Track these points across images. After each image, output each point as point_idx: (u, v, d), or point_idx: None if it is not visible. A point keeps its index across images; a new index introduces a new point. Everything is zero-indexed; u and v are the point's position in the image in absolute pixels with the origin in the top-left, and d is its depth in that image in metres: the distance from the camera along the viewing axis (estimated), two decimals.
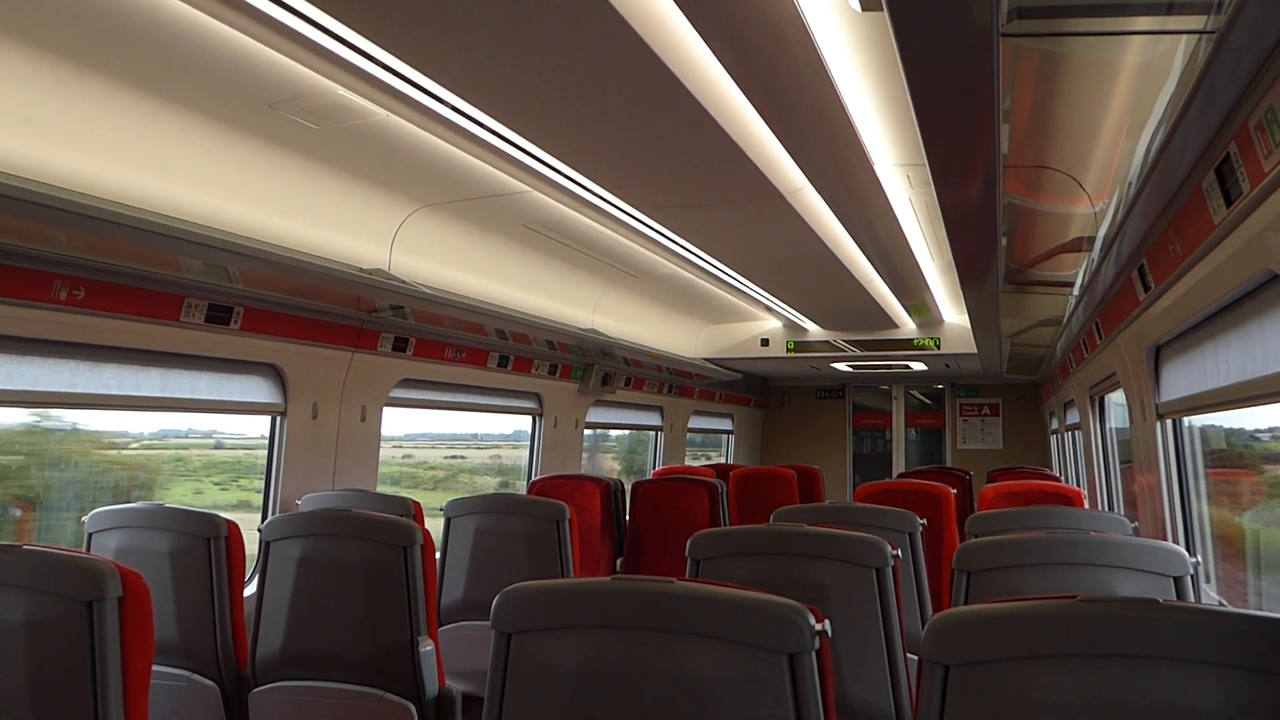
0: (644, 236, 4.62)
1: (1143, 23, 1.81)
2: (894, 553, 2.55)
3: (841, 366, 9.96)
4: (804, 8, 2.40)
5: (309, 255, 3.77)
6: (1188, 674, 1.39)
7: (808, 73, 2.75)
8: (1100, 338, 5.04)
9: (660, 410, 9.71)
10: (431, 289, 4.50)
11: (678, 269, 5.73)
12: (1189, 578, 2.48)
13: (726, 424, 11.96)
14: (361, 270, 4.05)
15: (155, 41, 2.57)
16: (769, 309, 7.48)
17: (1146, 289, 3.54)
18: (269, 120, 3.16)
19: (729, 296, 6.93)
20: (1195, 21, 1.69)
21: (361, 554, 2.91)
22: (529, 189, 3.93)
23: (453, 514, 4.13)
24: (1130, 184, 2.67)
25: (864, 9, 2.20)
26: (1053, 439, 10.98)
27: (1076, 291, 4.58)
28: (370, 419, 5.06)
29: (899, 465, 12.52)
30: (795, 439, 12.91)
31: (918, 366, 9.86)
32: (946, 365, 9.79)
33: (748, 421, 12.50)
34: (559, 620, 1.69)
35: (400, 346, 5.08)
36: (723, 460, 12.11)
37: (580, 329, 6.06)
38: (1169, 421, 4.10)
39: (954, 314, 7.92)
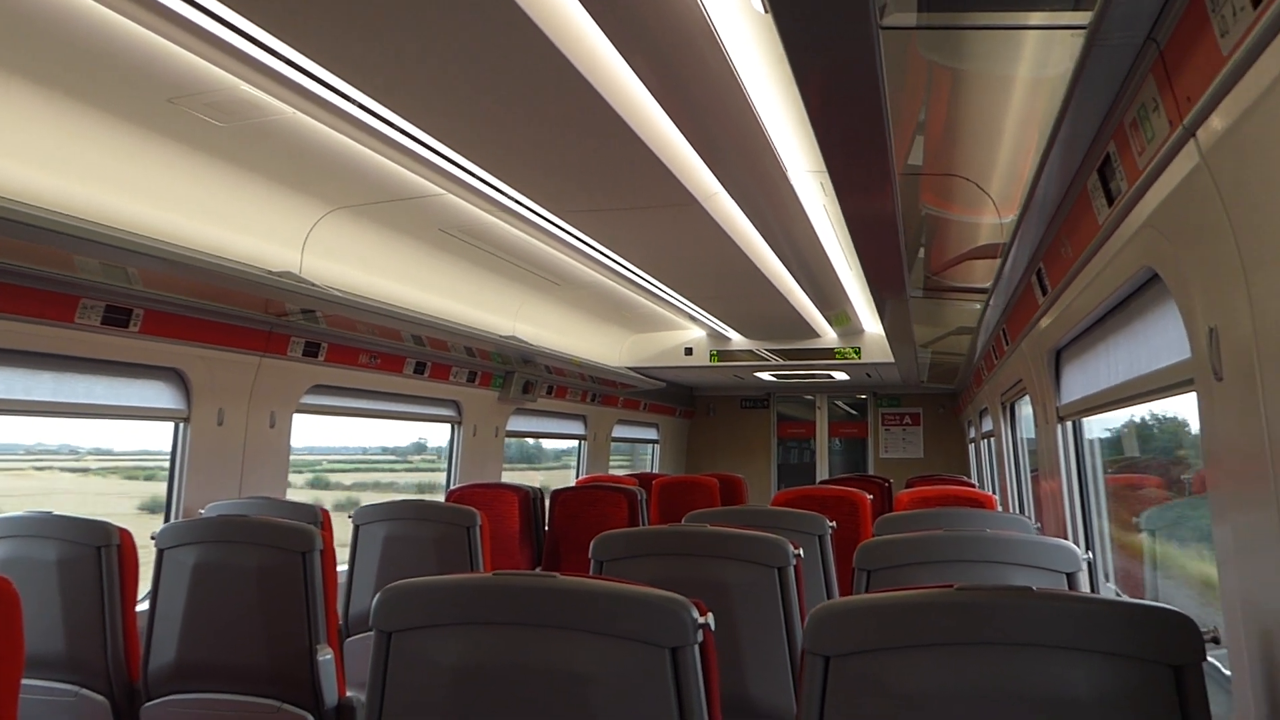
0: (563, 242, 4.60)
1: (1024, 18, 1.85)
2: (796, 552, 2.56)
3: (765, 376, 10.05)
4: (710, 10, 2.41)
5: (214, 256, 3.66)
6: (1062, 661, 1.41)
7: (716, 76, 2.76)
8: (1007, 344, 5.16)
9: (584, 419, 9.68)
10: (344, 293, 4.41)
11: (600, 276, 5.71)
12: (1080, 573, 2.53)
13: (652, 433, 11.97)
14: (270, 273, 3.95)
15: (46, 31, 2.48)
16: (692, 318, 7.51)
17: (1044, 292, 3.63)
18: (169, 115, 3.07)
19: (652, 305, 6.94)
20: (1076, 17, 1.73)
21: (259, 560, 2.82)
22: (444, 192, 3.89)
23: (361, 521, 4.05)
24: (1027, 188, 2.74)
25: (766, 10, 2.21)
26: (970, 447, 11.22)
27: (986, 298, 4.68)
28: (280, 426, 4.94)
29: (822, 474, 12.68)
30: (721, 449, 12.99)
31: (840, 376, 9.99)
32: (868, 375, 9.94)
33: (673, 431, 12.52)
34: (438, 617, 1.66)
35: (311, 351, 4.96)
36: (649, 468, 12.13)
37: (501, 336, 6.01)
38: (1068, 424, 4.21)
39: (873, 324, 8.04)
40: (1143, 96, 1.88)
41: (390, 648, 1.69)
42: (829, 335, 8.35)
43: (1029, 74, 2.24)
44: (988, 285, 4.36)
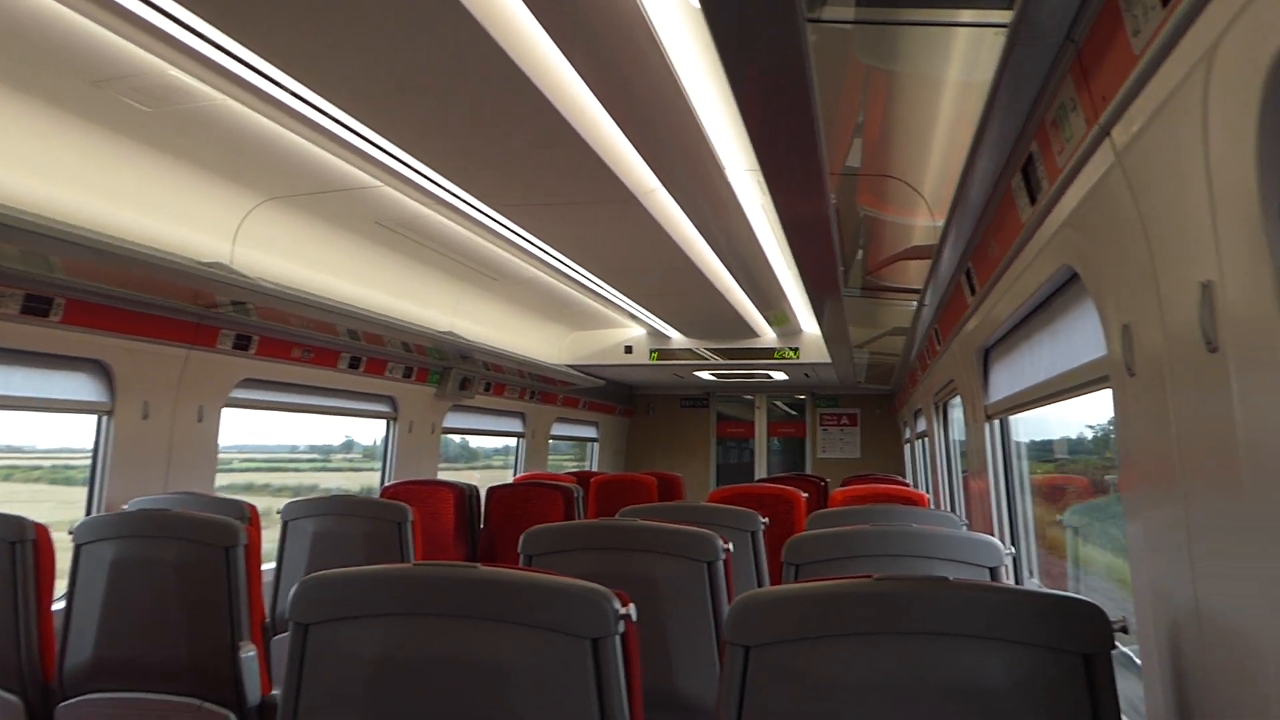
0: (501, 237, 4.57)
1: (953, 14, 1.89)
2: (725, 547, 2.58)
3: (705, 375, 10.09)
4: (648, 6, 2.42)
5: (142, 245, 3.57)
6: (977, 650, 1.44)
7: (655, 73, 2.77)
8: (939, 344, 5.23)
9: (522, 416, 9.63)
10: (277, 285, 4.33)
11: (539, 273, 5.69)
12: (1002, 568, 2.59)
13: (591, 432, 11.96)
14: (200, 263, 3.86)
15: None
16: (632, 316, 7.51)
17: (973, 292, 3.68)
18: (95, 99, 2.99)
19: (592, 302, 6.94)
20: (1000, 15, 1.77)
21: (180, 555, 2.76)
22: (380, 184, 3.84)
23: (290, 516, 3.98)
24: (956, 189, 2.78)
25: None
26: (906, 447, 11.38)
27: (919, 299, 4.74)
28: (208, 420, 4.83)
29: (760, 473, 12.77)
30: (660, 447, 13.02)
31: (779, 376, 10.07)
32: (806, 375, 10.03)
33: (613, 430, 12.52)
34: (357, 609, 1.63)
35: (242, 344, 4.87)
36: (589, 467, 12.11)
37: (438, 331, 5.95)
38: (995, 422, 4.29)
39: (811, 324, 8.12)
40: (1062, 96, 1.91)
41: (308, 640, 1.66)
42: (768, 335, 8.41)
43: (960, 75, 2.28)
44: (921, 286, 4.42)
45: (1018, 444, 4.25)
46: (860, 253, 4.35)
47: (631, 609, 1.58)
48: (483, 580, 1.60)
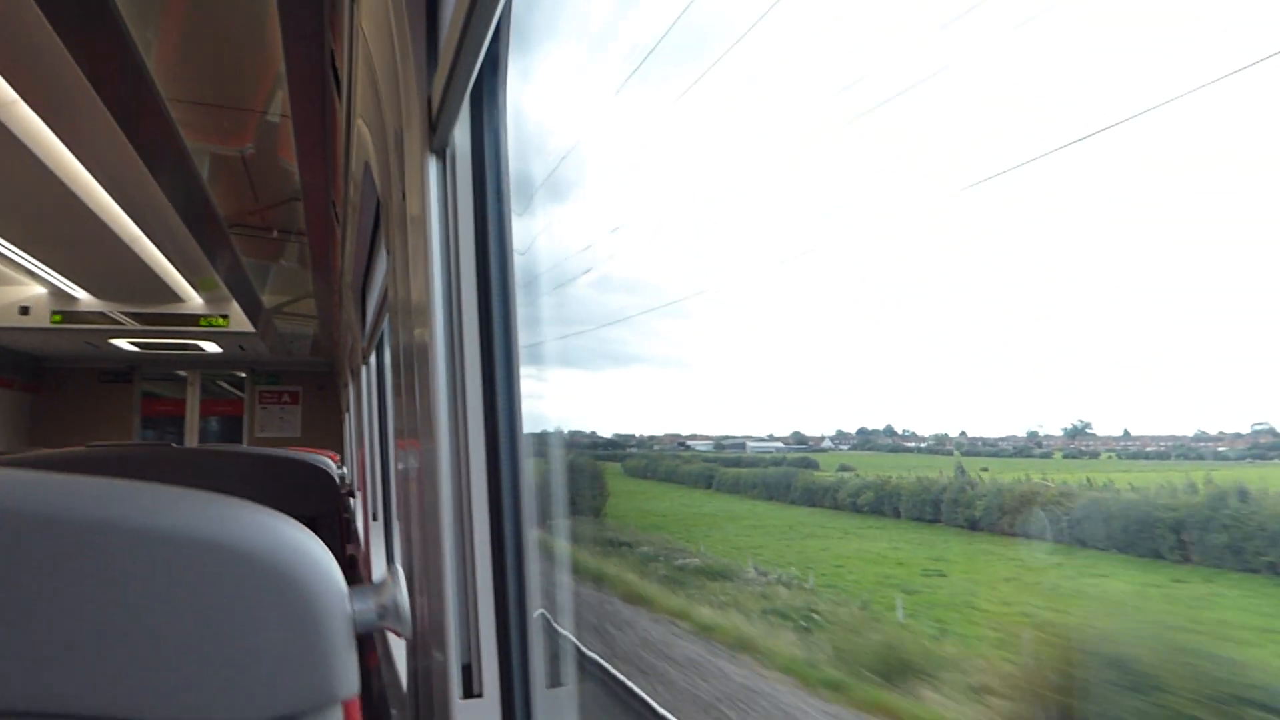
0: None
1: None
2: None
3: (124, 345, 9.27)
4: None
5: None
6: None
7: None
8: (339, 295, 5.19)
9: None
10: None
11: None
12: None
13: None
14: None
15: None
16: (28, 271, 6.68)
17: (340, 225, 3.51)
18: None
19: None
20: None
21: None
22: None
23: None
24: (293, 110, 2.72)
25: None
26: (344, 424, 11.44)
27: (308, 245, 4.59)
28: None
29: None
30: (73, 427, 11.67)
31: (211, 348, 9.54)
32: (241, 348, 9.64)
33: (11, 405, 10.97)
34: None
35: None
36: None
37: None
38: (364, 367, 4.35)
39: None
40: None
41: None
42: (195, 301, 7.96)
43: None
44: (304, 229, 4.29)
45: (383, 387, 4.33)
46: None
47: None
48: None
